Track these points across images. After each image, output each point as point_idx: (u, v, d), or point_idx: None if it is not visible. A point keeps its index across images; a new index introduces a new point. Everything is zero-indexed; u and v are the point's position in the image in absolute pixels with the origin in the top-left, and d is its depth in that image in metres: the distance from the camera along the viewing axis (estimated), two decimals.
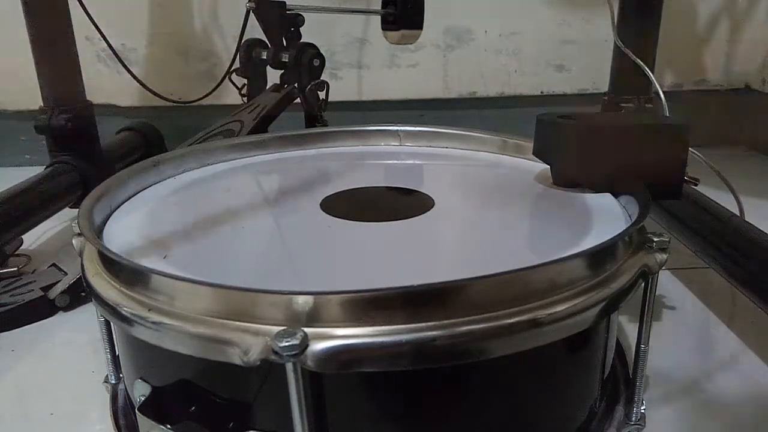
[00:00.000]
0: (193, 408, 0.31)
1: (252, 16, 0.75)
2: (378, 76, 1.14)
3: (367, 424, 0.30)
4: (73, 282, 0.59)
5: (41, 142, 0.81)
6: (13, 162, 1.16)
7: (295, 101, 0.75)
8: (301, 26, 0.75)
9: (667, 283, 0.62)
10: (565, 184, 0.46)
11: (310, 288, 0.27)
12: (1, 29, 1.01)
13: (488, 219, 0.44)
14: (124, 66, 0.93)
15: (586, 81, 1.15)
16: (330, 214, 0.42)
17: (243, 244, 0.39)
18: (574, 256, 0.31)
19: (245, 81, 0.80)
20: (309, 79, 0.74)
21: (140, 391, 0.33)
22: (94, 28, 0.86)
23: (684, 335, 0.53)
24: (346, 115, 1.12)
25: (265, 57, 0.77)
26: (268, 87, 0.79)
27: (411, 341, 0.26)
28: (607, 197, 0.44)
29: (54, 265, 0.66)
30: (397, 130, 0.61)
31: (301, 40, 0.76)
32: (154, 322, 0.29)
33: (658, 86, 0.67)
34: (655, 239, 0.35)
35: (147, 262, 0.34)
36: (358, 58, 1.13)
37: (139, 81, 0.95)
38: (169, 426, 0.29)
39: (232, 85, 0.81)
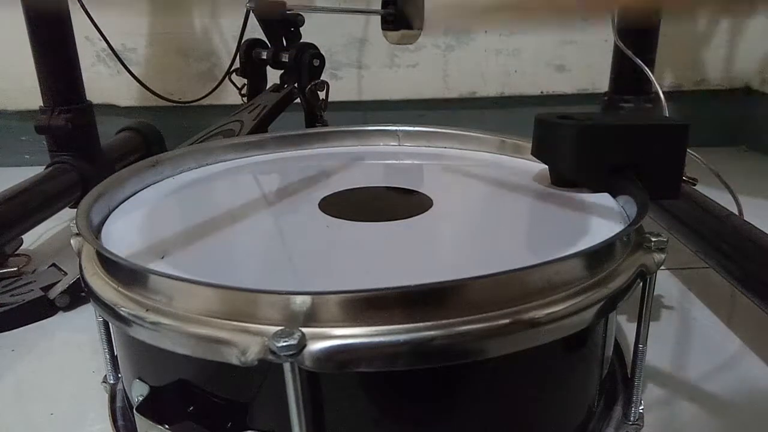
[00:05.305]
0: (191, 408, 0.31)
1: (252, 16, 0.75)
2: (378, 76, 1.14)
3: (364, 424, 0.30)
4: (73, 282, 0.59)
5: (41, 142, 0.81)
6: (13, 162, 1.16)
7: (295, 101, 0.75)
8: (301, 26, 0.76)
9: (666, 283, 0.62)
10: (564, 184, 0.46)
11: (307, 288, 0.27)
12: (1, 29, 1.01)
13: (486, 219, 0.44)
14: (124, 66, 0.93)
15: (586, 81, 1.14)
16: (328, 214, 0.42)
17: (241, 244, 0.39)
18: (571, 255, 0.30)
19: (245, 81, 0.80)
20: (309, 79, 0.74)
21: (138, 391, 0.33)
22: (94, 28, 0.86)
23: (683, 335, 0.53)
24: (346, 115, 1.12)
25: (265, 57, 0.77)
26: (268, 87, 0.79)
27: (409, 341, 0.26)
28: (606, 197, 0.43)
29: (54, 265, 0.66)
30: (396, 130, 0.61)
31: (301, 40, 0.76)
32: (151, 322, 0.29)
33: (658, 86, 0.67)
34: (653, 239, 0.35)
35: (145, 262, 0.34)
36: (358, 58, 1.13)
37: (139, 81, 0.95)
38: (167, 426, 0.29)
39: (232, 85, 0.81)
